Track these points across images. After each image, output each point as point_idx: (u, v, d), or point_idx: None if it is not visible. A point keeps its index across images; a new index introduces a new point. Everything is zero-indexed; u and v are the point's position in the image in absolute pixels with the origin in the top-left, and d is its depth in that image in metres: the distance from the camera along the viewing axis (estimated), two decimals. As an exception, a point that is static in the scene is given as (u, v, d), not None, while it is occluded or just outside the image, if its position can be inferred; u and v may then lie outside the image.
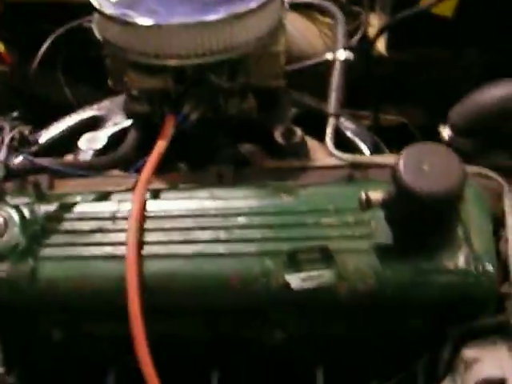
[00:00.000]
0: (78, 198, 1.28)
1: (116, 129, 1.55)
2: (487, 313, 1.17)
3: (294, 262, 1.15)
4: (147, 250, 1.18)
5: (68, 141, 1.54)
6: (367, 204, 1.12)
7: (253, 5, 1.33)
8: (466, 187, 1.14)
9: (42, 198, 1.30)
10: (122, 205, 1.24)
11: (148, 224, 1.21)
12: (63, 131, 1.59)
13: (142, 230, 1.19)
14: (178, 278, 1.17)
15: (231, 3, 1.33)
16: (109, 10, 1.36)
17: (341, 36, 1.55)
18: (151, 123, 1.44)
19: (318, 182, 1.31)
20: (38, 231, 1.23)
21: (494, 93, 1.35)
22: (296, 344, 1.23)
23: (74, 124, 1.60)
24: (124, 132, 1.51)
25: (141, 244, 1.18)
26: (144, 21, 1.32)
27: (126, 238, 1.17)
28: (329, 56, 1.52)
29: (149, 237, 1.20)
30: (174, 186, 1.33)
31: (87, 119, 1.61)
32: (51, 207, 1.26)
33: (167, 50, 1.33)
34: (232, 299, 1.17)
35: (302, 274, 1.14)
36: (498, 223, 1.22)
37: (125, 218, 1.21)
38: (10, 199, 1.28)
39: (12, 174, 1.31)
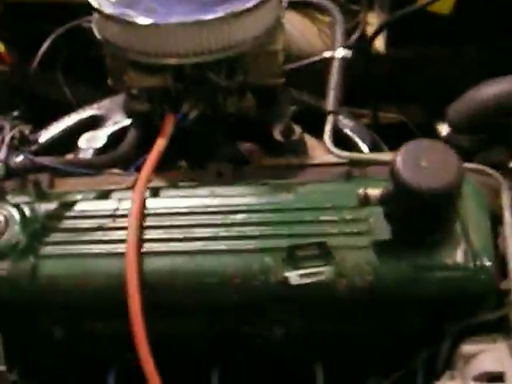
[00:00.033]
0: (79, 197, 1.29)
1: (116, 128, 1.56)
2: (486, 308, 1.18)
3: (293, 258, 1.15)
4: (147, 247, 1.19)
5: (68, 140, 1.55)
6: (365, 201, 1.13)
7: (250, 4, 1.34)
8: (464, 184, 1.15)
9: (42, 196, 1.30)
10: (122, 203, 1.25)
11: (148, 222, 1.21)
12: (63, 130, 1.60)
13: (142, 228, 1.20)
14: (178, 275, 1.18)
15: (229, 2, 1.34)
16: (108, 9, 1.37)
17: (339, 34, 1.56)
18: (151, 122, 1.45)
19: (316, 180, 1.32)
20: (39, 229, 1.23)
21: (491, 89, 1.36)
22: (295, 340, 1.23)
23: (74, 123, 1.61)
24: (124, 131, 1.52)
25: (141, 241, 1.19)
26: (143, 20, 1.33)
27: (126, 235, 1.18)
28: (327, 54, 1.53)
29: (149, 234, 1.20)
30: (173, 184, 1.34)
31: (87, 118, 1.61)
32: (51, 206, 1.27)
33: (166, 48, 1.34)
34: (232, 296, 1.18)
35: (301, 271, 1.14)
36: (496, 220, 1.23)
37: (125, 216, 1.21)
38: (10, 198, 1.29)
39: (12, 172, 1.32)
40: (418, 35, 1.81)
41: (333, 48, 1.53)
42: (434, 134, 1.51)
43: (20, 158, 1.38)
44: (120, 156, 1.43)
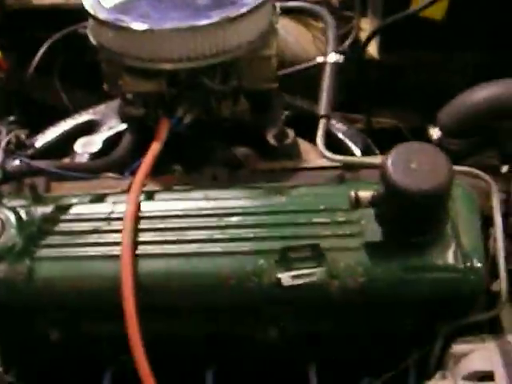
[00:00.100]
0: (74, 200, 1.30)
1: (111, 133, 1.57)
2: (477, 309, 1.19)
3: (286, 260, 1.16)
4: (142, 249, 1.20)
5: (64, 145, 1.56)
6: (357, 203, 1.14)
7: (244, 9, 1.36)
8: (455, 186, 1.16)
9: (38, 200, 1.31)
10: (117, 206, 1.26)
11: (143, 224, 1.22)
12: (59, 135, 1.61)
13: (136, 231, 1.21)
14: (172, 277, 1.19)
15: (223, 8, 1.36)
16: (103, 15, 1.38)
17: (331, 39, 1.57)
18: (146, 126, 1.46)
19: (309, 183, 1.33)
20: (35, 232, 1.24)
21: (482, 93, 1.37)
22: (290, 341, 1.24)
23: (69, 128, 1.62)
24: (119, 136, 1.53)
25: (136, 244, 1.20)
26: (138, 26, 1.34)
27: (121, 238, 1.19)
28: (319, 59, 1.54)
29: (144, 237, 1.21)
30: (168, 188, 1.35)
31: (83, 123, 1.63)
32: (47, 209, 1.28)
33: (161, 54, 1.36)
34: (226, 297, 1.19)
35: (294, 272, 1.15)
36: (487, 221, 1.24)
37: (120, 219, 1.23)
38: (6, 201, 1.30)
39: (9, 176, 1.33)
40: (410, 40, 1.83)
41: (326, 53, 1.55)
42: (427, 139, 1.52)
43: (16, 162, 1.39)
44: (115, 160, 1.45)
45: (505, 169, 1.39)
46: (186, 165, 1.41)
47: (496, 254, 1.20)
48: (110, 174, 1.41)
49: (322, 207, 1.22)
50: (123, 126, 1.55)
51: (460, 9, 1.77)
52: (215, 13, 1.34)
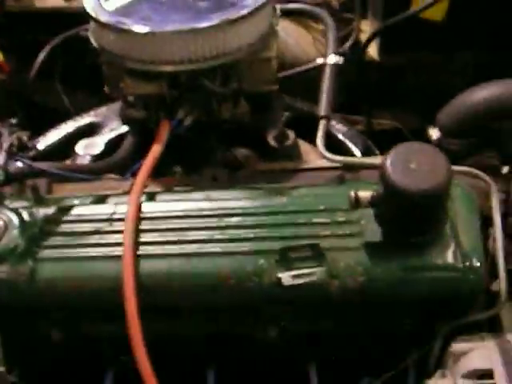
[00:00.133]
0: (76, 201, 1.31)
1: (113, 135, 1.58)
2: (476, 308, 1.19)
3: (286, 259, 1.17)
4: (143, 250, 1.21)
5: (66, 147, 1.57)
6: (356, 203, 1.15)
7: (244, 11, 1.37)
8: (454, 186, 1.17)
9: (40, 201, 1.32)
10: (119, 207, 1.26)
11: (144, 225, 1.23)
12: (61, 137, 1.62)
13: (138, 231, 1.22)
14: (173, 277, 1.20)
15: (223, 10, 1.36)
16: (104, 18, 1.39)
17: (331, 41, 1.58)
18: (147, 128, 1.47)
19: (309, 183, 1.33)
20: (37, 233, 1.25)
21: (481, 94, 1.38)
22: (289, 341, 1.25)
23: (71, 130, 1.63)
24: (121, 138, 1.54)
25: (137, 245, 1.20)
26: (139, 28, 1.35)
27: (123, 238, 1.20)
28: (319, 61, 1.55)
29: (145, 237, 1.22)
30: (169, 189, 1.35)
31: (84, 125, 1.64)
32: (49, 210, 1.28)
33: (162, 56, 1.37)
34: (226, 297, 1.20)
35: (294, 272, 1.16)
36: (487, 222, 1.25)
37: (121, 220, 1.23)
38: (9, 203, 1.31)
39: (11, 178, 1.33)
40: (410, 42, 1.83)
41: (325, 55, 1.55)
42: (427, 139, 1.52)
43: (18, 164, 1.39)
44: (116, 162, 1.45)
45: (505, 169, 1.39)
46: (186, 166, 1.41)
47: (495, 253, 1.20)
48: (112, 176, 1.42)
49: (321, 207, 1.22)
50: (124, 128, 1.56)
51: (460, 10, 1.78)
52: (216, 15, 1.35)
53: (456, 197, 1.21)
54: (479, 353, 1.08)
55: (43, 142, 1.60)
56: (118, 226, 1.24)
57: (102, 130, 1.61)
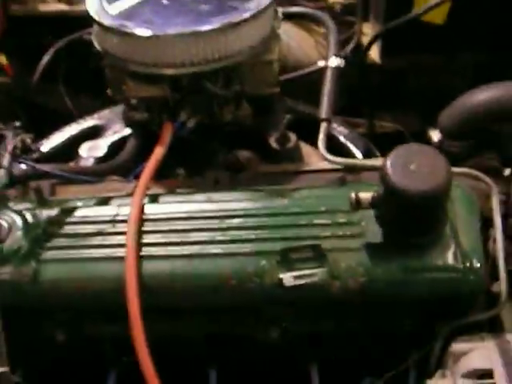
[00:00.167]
0: (79, 203, 1.32)
1: (116, 137, 1.59)
2: (476, 309, 1.20)
3: (288, 260, 1.18)
4: (146, 251, 1.21)
5: (69, 149, 1.58)
6: (357, 204, 1.16)
7: (246, 15, 1.38)
8: (455, 187, 1.18)
9: (43, 203, 1.33)
10: (122, 209, 1.27)
11: (146, 226, 1.24)
12: (64, 140, 1.63)
13: (140, 233, 1.23)
14: (176, 278, 1.20)
15: (225, 14, 1.37)
16: (107, 21, 1.40)
17: (332, 44, 1.59)
18: (150, 131, 1.48)
19: (311, 185, 1.34)
20: (40, 235, 1.26)
21: (480, 96, 1.39)
22: (291, 341, 1.26)
23: (74, 133, 1.64)
24: (124, 140, 1.55)
25: (140, 246, 1.21)
26: (141, 31, 1.36)
27: (125, 240, 1.21)
28: (321, 63, 1.55)
29: (147, 239, 1.23)
30: (171, 191, 1.36)
31: (88, 128, 1.65)
32: (53, 212, 1.29)
33: (164, 59, 1.38)
34: (228, 298, 1.20)
35: (295, 272, 1.17)
36: (487, 223, 1.25)
37: (124, 222, 1.24)
38: (13, 205, 1.32)
39: (15, 180, 1.34)
40: (412, 45, 1.84)
41: (327, 58, 1.56)
42: (428, 141, 1.53)
43: (22, 166, 1.40)
44: (119, 164, 1.46)
45: (507, 172, 1.40)
46: (188, 168, 1.42)
47: (496, 254, 1.21)
48: (115, 178, 1.43)
49: (323, 209, 1.23)
50: (127, 131, 1.57)
51: (461, 13, 1.79)
52: (217, 18, 1.36)
53: (456, 198, 1.22)
54: (479, 353, 1.09)
55: (47, 145, 1.61)
56: (120, 227, 1.25)
57: (105, 132, 1.61)
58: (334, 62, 1.54)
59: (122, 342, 1.18)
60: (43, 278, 1.23)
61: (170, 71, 1.39)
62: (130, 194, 1.29)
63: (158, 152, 1.36)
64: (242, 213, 1.25)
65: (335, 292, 1.17)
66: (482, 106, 1.38)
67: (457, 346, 1.12)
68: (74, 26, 1.75)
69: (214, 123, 1.50)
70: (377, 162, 1.33)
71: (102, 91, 1.55)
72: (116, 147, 1.54)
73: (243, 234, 1.22)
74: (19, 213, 1.29)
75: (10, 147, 1.30)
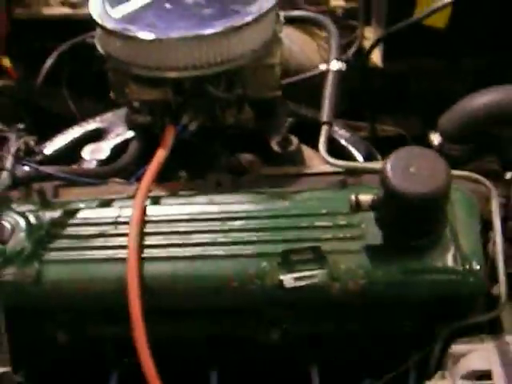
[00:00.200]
0: (81, 205, 1.33)
1: (118, 140, 1.59)
2: (476, 311, 1.21)
3: (288, 262, 1.19)
4: (148, 253, 1.22)
5: (72, 152, 1.58)
6: (357, 206, 1.17)
7: (248, 19, 1.38)
8: (454, 190, 1.19)
9: (46, 205, 1.34)
10: (124, 210, 1.28)
11: (148, 228, 1.25)
12: (67, 142, 1.63)
13: (142, 234, 1.23)
14: (177, 280, 1.21)
15: (227, 17, 1.38)
16: (111, 25, 1.41)
17: (334, 47, 1.59)
18: (152, 134, 1.49)
19: (312, 188, 1.35)
20: (43, 236, 1.27)
21: (480, 100, 1.39)
22: (291, 343, 1.26)
23: (77, 136, 1.65)
24: (126, 143, 1.56)
25: (141, 247, 1.22)
26: (144, 35, 1.37)
27: (127, 241, 1.21)
28: (322, 67, 1.56)
29: (149, 240, 1.24)
30: (173, 193, 1.37)
31: (91, 131, 1.65)
32: (55, 213, 1.30)
33: (166, 62, 1.38)
34: (230, 299, 1.21)
35: (296, 274, 1.18)
36: (488, 226, 1.26)
37: (126, 223, 1.25)
38: (16, 206, 1.33)
39: (18, 182, 1.35)
40: (413, 49, 1.85)
41: (328, 61, 1.57)
42: (428, 145, 1.54)
43: (25, 168, 1.40)
44: (122, 166, 1.47)
45: (509, 175, 1.40)
46: (191, 171, 1.43)
47: (495, 257, 1.22)
48: (117, 180, 1.43)
49: (323, 211, 1.24)
50: (130, 134, 1.58)
51: (462, 17, 1.79)
52: (220, 22, 1.37)
53: (456, 201, 1.23)
54: (478, 354, 1.09)
55: (50, 147, 1.61)
56: (122, 229, 1.26)
57: (107, 135, 1.62)
58: (336, 65, 1.54)
59: (124, 344, 1.18)
60: (46, 279, 1.23)
61: (172, 74, 1.40)
62: (132, 196, 1.29)
63: (160, 155, 1.36)
64: (243, 215, 1.26)
65: (335, 294, 1.18)
66: (481, 109, 1.39)
67: (456, 348, 1.12)
68: (78, 30, 1.76)
69: (217, 126, 1.50)
70: (377, 165, 1.33)
71: (105, 95, 1.55)
72: (119, 150, 1.55)
73: (244, 235, 1.23)
74: (22, 214, 1.29)
75: (13, 149, 1.30)
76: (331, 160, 1.37)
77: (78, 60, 1.82)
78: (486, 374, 1.06)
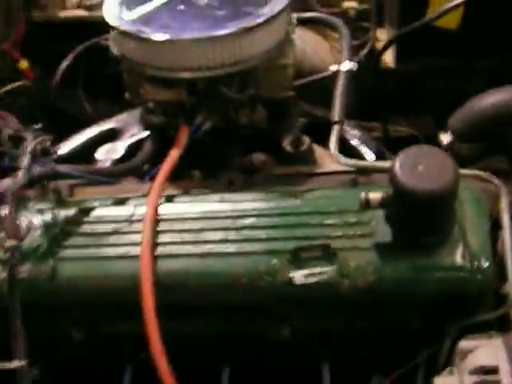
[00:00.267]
0: (96, 203, 1.35)
1: (133, 140, 1.62)
2: (484, 308, 1.21)
3: (298, 259, 1.20)
4: (161, 250, 1.24)
5: (87, 152, 1.61)
6: (366, 204, 1.18)
7: (261, 20, 1.40)
8: (464, 189, 1.20)
9: (61, 203, 1.36)
10: (137, 208, 1.31)
11: (161, 226, 1.27)
12: (83, 142, 1.66)
13: (155, 232, 1.25)
14: (189, 277, 1.23)
15: (240, 19, 1.40)
16: (125, 26, 1.43)
17: (345, 48, 1.61)
18: (166, 134, 1.51)
19: (322, 187, 1.36)
20: (58, 234, 1.30)
21: (489, 99, 1.40)
22: (301, 339, 1.28)
23: (93, 136, 1.67)
24: (141, 143, 1.58)
25: (154, 245, 1.24)
26: (158, 36, 1.39)
27: (141, 239, 1.23)
28: (333, 68, 1.58)
29: (162, 238, 1.26)
30: (186, 192, 1.39)
31: (106, 131, 1.68)
32: (70, 212, 1.33)
33: (180, 63, 1.40)
34: (241, 296, 1.23)
35: (306, 271, 1.19)
36: (497, 224, 1.27)
37: (140, 221, 1.27)
38: (32, 205, 1.35)
39: (34, 181, 1.37)
40: (426, 49, 1.86)
41: (340, 62, 1.58)
42: (438, 144, 1.54)
43: (41, 167, 1.42)
44: (136, 166, 1.49)
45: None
46: (204, 170, 1.45)
47: (504, 255, 1.22)
48: (131, 179, 1.46)
49: (333, 209, 1.26)
50: (144, 134, 1.59)
51: (475, 17, 1.80)
52: (233, 23, 1.39)
53: (465, 199, 1.24)
54: (485, 350, 1.09)
55: (66, 147, 1.64)
56: (136, 227, 1.28)
57: (122, 135, 1.64)
58: (347, 65, 1.56)
59: (137, 339, 1.20)
60: (61, 276, 1.26)
61: (186, 75, 1.41)
62: (146, 195, 1.31)
63: (174, 154, 1.38)
64: (254, 213, 1.27)
65: (344, 290, 1.19)
66: (490, 109, 1.40)
67: (464, 344, 1.13)
68: (94, 32, 1.79)
69: (230, 126, 1.52)
70: (388, 163, 1.34)
71: (120, 96, 1.57)
72: (133, 149, 1.57)
73: (255, 233, 1.25)
74: (38, 212, 1.32)
75: (29, 148, 1.32)
76: (342, 159, 1.38)
77: (94, 62, 1.84)
78: (493, 370, 1.06)
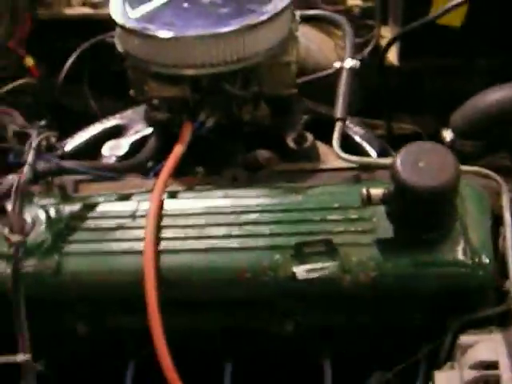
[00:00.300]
0: (100, 199, 1.36)
1: (137, 136, 1.63)
2: (486, 304, 1.22)
3: (301, 254, 1.21)
4: (164, 245, 1.25)
5: (92, 148, 1.62)
6: (368, 200, 1.19)
7: (264, 17, 1.41)
8: (465, 186, 1.21)
9: (66, 198, 1.37)
10: (141, 204, 1.31)
11: (165, 221, 1.28)
12: (88, 139, 1.67)
13: (159, 227, 1.26)
14: (192, 272, 1.24)
15: (244, 16, 1.41)
16: (130, 24, 1.44)
17: (348, 46, 1.62)
18: (170, 130, 1.52)
19: (325, 183, 1.37)
20: (63, 229, 1.31)
21: (493, 96, 1.41)
22: (303, 334, 1.28)
23: (97, 132, 1.68)
24: (145, 139, 1.59)
25: (158, 240, 1.25)
26: (163, 33, 1.40)
27: (145, 234, 1.24)
28: (336, 65, 1.58)
29: (166, 233, 1.26)
30: (190, 188, 1.40)
31: (110, 128, 1.69)
32: (75, 207, 1.34)
33: (184, 60, 1.42)
34: (244, 291, 1.24)
35: (308, 266, 1.20)
36: (498, 221, 1.27)
37: (143, 216, 1.28)
38: (37, 200, 1.37)
39: (39, 176, 1.38)
40: (429, 47, 1.86)
41: (343, 59, 1.59)
42: (442, 142, 1.55)
43: (46, 163, 1.42)
44: (140, 162, 1.50)
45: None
46: (207, 167, 1.46)
47: (506, 252, 1.22)
48: (136, 176, 1.47)
49: (335, 205, 1.26)
50: (149, 130, 1.61)
51: (478, 16, 1.80)
52: (236, 21, 1.40)
53: (466, 196, 1.24)
54: (485, 345, 1.10)
55: (71, 144, 1.65)
56: (140, 222, 1.29)
57: (127, 131, 1.65)
58: (350, 63, 1.56)
59: (141, 334, 1.21)
60: (65, 271, 1.27)
61: (190, 72, 1.43)
62: (150, 191, 1.32)
63: (178, 150, 1.39)
64: (258, 208, 1.28)
65: (346, 286, 1.20)
66: (494, 106, 1.40)
67: (464, 339, 1.13)
68: (99, 30, 1.80)
69: (233, 123, 1.53)
70: (390, 160, 1.35)
71: (125, 93, 1.58)
72: (137, 146, 1.58)
73: (259, 229, 1.26)
74: (43, 208, 1.33)
75: (34, 144, 1.33)
76: (344, 155, 1.39)
77: (99, 59, 1.86)
78: (493, 365, 1.07)
